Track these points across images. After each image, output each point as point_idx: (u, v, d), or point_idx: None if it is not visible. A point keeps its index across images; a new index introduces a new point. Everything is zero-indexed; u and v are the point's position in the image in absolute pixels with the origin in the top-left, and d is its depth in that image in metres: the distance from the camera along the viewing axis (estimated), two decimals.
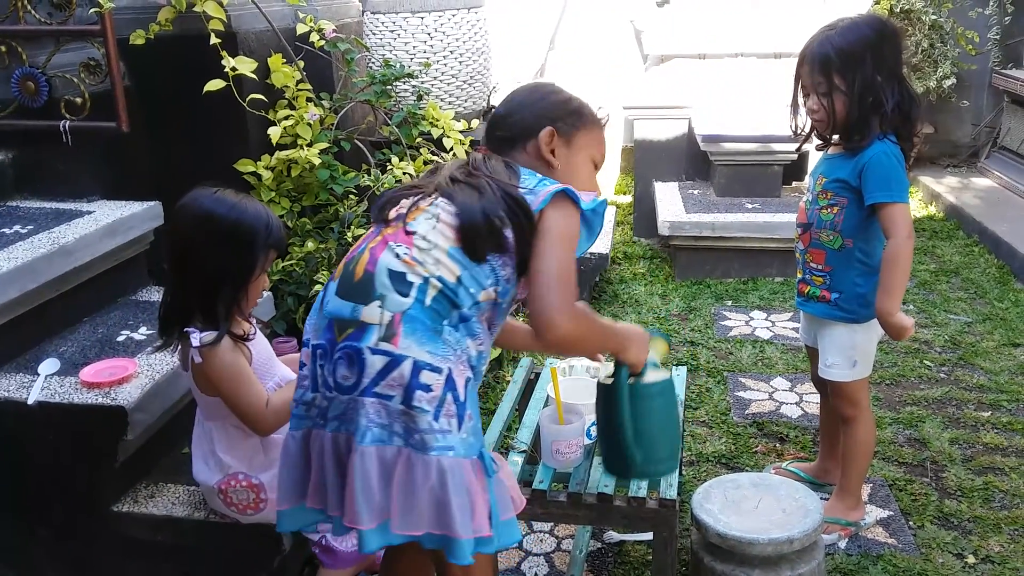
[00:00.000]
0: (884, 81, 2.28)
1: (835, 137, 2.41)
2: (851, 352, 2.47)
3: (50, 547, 2.30)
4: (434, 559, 1.73)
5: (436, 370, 1.55)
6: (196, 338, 1.95)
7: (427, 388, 1.54)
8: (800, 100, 2.42)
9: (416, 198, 1.70)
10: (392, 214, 1.69)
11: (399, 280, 1.58)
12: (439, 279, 1.59)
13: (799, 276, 2.53)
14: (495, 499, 1.62)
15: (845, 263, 2.40)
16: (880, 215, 2.30)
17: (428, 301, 1.57)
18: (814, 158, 2.71)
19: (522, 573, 2.42)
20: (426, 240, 1.61)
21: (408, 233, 1.63)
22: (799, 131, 2.47)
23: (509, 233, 1.63)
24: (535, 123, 1.78)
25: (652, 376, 1.89)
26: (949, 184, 5.89)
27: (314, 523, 1.72)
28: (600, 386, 1.93)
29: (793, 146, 2.72)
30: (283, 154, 3.00)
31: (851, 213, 2.35)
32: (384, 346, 1.55)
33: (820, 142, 2.48)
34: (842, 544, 2.54)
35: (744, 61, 5.30)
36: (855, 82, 2.27)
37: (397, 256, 1.60)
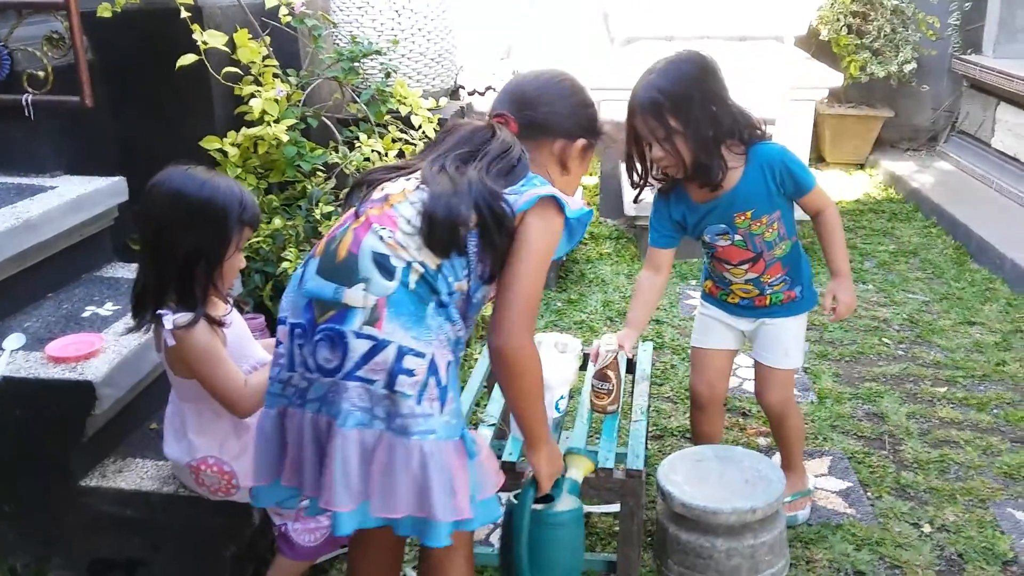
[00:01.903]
0: (719, 111, 2.22)
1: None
2: (801, 337, 2.53)
3: (18, 522, 2.29)
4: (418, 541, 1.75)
5: (419, 355, 1.56)
6: (169, 320, 1.92)
7: (410, 373, 1.55)
8: (640, 153, 2.28)
9: (401, 178, 1.69)
10: (375, 195, 1.68)
11: (383, 263, 1.58)
12: (421, 264, 1.59)
13: (750, 297, 2.45)
14: (475, 479, 1.64)
15: (796, 257, 2.45)
16: (812, 198, 2.36)
17: (412, 285, 1.58)
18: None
19: (491, 544, 2.45)
20: (411, 224, 1.61)
21: (392, 216, 1.62)
22: (638, 182, 2.34)
23: (473, 238, 1.62)
24: (572, 128, 1.78)
25: (563, 504, 1.85)
26: (909, 167, 5.99)
27: (291, 498, 1.73)
28: (508, 504, 1.86)
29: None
30: (250, 131, 2.98)
31: (785, 216, 2.37)
32: (368, 330, 1.55)
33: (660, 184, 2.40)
34: (804, 515, 2.60)
35: (710, 43, 5.33)
36: (691, 120, 2.18)
37: (381, 239, 1.59)
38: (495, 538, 2.49)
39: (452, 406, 1.63)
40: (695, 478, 2.34)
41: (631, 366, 2.66)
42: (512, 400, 1.74)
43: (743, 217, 2.32)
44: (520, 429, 1.80)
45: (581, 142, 1.79)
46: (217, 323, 1.98)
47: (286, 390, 1.64)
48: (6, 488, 2.26)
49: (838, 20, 6.08)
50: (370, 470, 1.55)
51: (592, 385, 2.35)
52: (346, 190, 3.11)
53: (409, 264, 1.58)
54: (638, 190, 2.37)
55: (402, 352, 1.55)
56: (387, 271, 1.58)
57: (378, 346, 1.54)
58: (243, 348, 2.09)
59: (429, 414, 1.57)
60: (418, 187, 1.65)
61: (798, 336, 2.52)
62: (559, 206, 1.68)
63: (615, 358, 2.31)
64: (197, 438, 2.06)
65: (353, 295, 1.57)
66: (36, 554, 2.30)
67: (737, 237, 2.36)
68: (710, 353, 2.56)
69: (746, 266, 2.40)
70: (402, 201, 1.64)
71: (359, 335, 1.55)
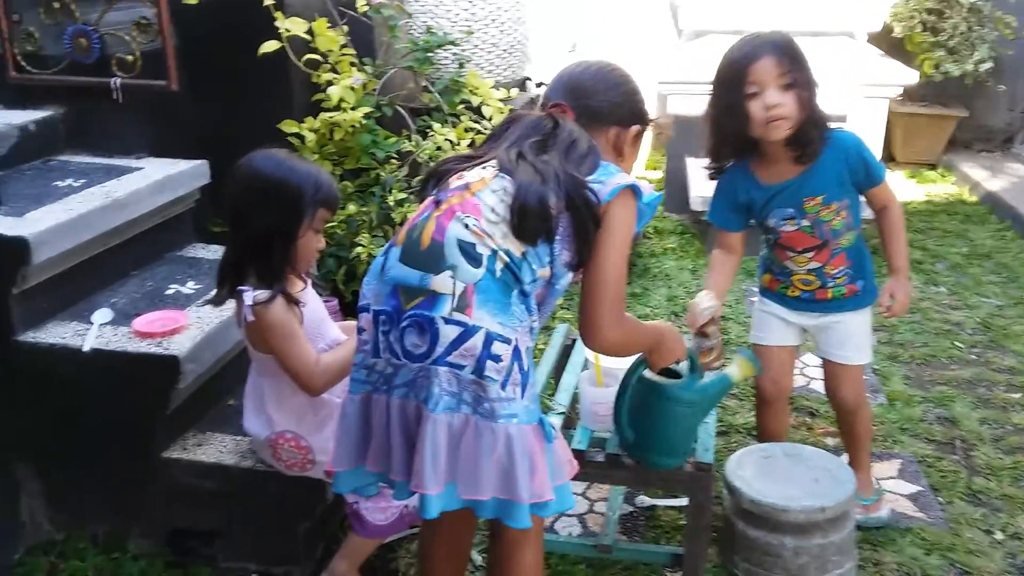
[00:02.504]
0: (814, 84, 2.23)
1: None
2: (868, 333, 2.49)
3: (101, 491, 2.37)
4: (492, 524, 1.78)
5: (506, 341, 1.59)
6: (249, 296, 1.99)
7: (497, 358, 1.58)
8: (736, 107, 2.18)
9: (476, 167, 1.72)
10: (454, 183, 1.71)
11: (469, 251, 1.60)
12: (506, 252, 1.62)
13: (811, 289, 2.41)
14: (551, 464, 1.67)
15: (860, 249, 2.41)
16: (881, 191, 2.33)
17: (498, 273, 1.61)
18: None
19: (556, 532, 2.47)
20: (495, 213, 1.64)
21: (476, 204, 1.64)
22: (719, 147, 2.30)
23: (564, 224, 1.66)
24: (627, 116, 1.85)
25: (683, 383, 2.02)
26: (982, 169, 5.85)
27: (371, 484, 1.76)
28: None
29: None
30: (327, 116, 3.04)
31: (853, 204, 2.33)
32: (458, 316, 1.57)
33: (714, 170, 2.38)
34: (887, 515, 2.57)
35: None
36: (808, 80, 2.19)
37: (466, 227, 1.62)
38: (559, 526, 2.51)
39: (531, 391, 1.66)
40: (763, 475, 2.34)
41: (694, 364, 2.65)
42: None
43: (813, 202, 2.29)
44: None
45: (635, 128, 1.87)
46: (294, 301, 2.02)
47: (371, 376, 1.66)
48: (91, 458, 2.34)
49: (912, 17, 5.95)
50: (457, 453, 1.58)
51: (694, 346, 2.30)
52: (419, 178, 3.16)
53: (495, 252, 1.61)
54: (715, 154, 2.33)
55: (490, 338, 1.58)
56: (473, 258, 1.60)
57: (468, 332, 1.57)
58: (319, 328, 2.14)
59: (512, 398, 1.60)
60: (497, 175, 1.68)
61: (865, 331, 2.49)
62: (635, 193, 1.73)
63: (712, 315, 2.28)
64: (275, 413, 2.12)
65: (441, 282, 1.59)
66: (117, 523, 2.38)
67: (805, 223, 2.32)
68: (771, 350, 2.53)
69: (810, 254, 2.36)
70: (483, 189, 1.66)
71: (449, 321, 1.57)
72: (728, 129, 2.25)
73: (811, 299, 2.43)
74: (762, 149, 2.29)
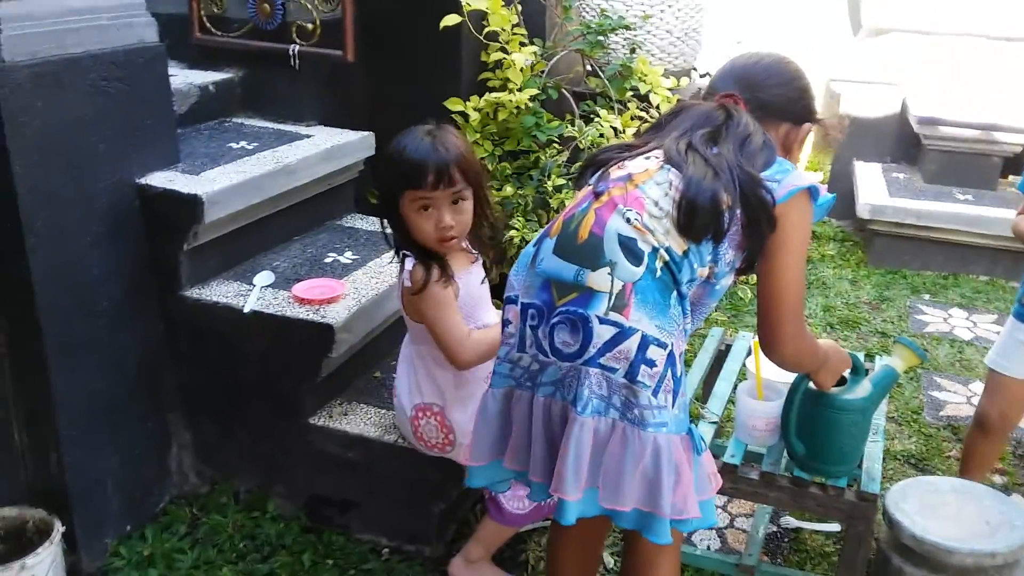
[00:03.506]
0: None
1: None
2: None
3: (247, 449, 2.43)
4: (628, 533, 1.70)
5: (662, 345, 1.51)
6: (409, 262, 1.99)
7: (652, 363, 1.49)
8: None
9: (639, 157, 1.62)
10: (615, 173, 1.62)
11: (630, 246, 1.52)
12: (667, 250, 1.53)
13: None
14: (697, 477, 1.58)
15: None
16: None
17: (658, 272, 1.52)
18: None
19: (693, 545, 2.37)
20: (658, 207, 1.54)
21: (639, 197, 1.55)
22: None
23: (737, 223, 1.55)
24: (797, 112, 1.75)
25: (850, 391, 1.94)
26: None
27: (506, 480, 1.71)
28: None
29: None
30: (492, 96, 3.00)
31: None
32: (614, 316, 1.49)
33: None
34: None
35: (970, 42, 4.93)
36: None
37: (628, 221, 1.53)
38: (696, 538, 2.41)
39: (682, 399, 1.57)
40: (928, 510, 2.17)
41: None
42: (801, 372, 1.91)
43: None
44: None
45: (807, 126, 1.76)
46: (448, 275, 1.99)
47: (515, 371, 1.60)
48: (240, 415, 2.40)
49: None
50: (601, 459, 1.51)
51: None
52: (577, 164, 3.10)
53: (656, 249, 1.52)
54: None
55: (647, 341, 1.49)
56: (634, 255, 1.51)
57: (623, 334, 1.49)
58: (474, 307, 2.10)
59: (663, 406, 1.51)
60: (663, 167, 1.58)
61: None
62: (812, 195, 1.61)
63: None
64: (424, 383, 2.11)
65: (598, 279, 1.51)
66: (259, 482, 2.44)
67: None
68: (1012, 381, 2.32)
69: None
70: (647, 181, 1.57)
71: (604, 321, 1.49)
72: None
73: None
74: None
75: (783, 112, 1.72)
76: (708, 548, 2.39)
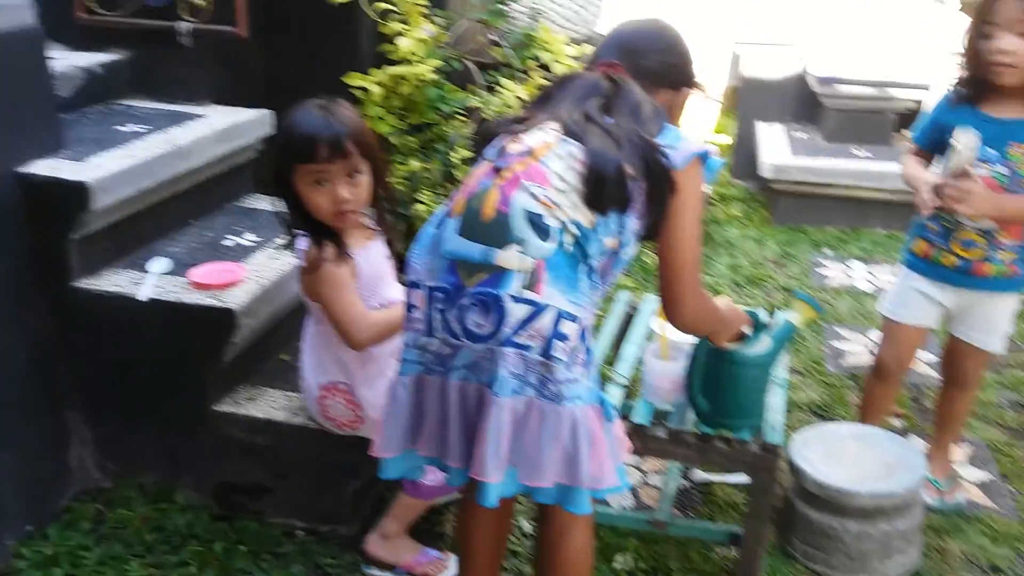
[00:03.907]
0: None
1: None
2: (1011, 320, 2.37)
3: (151, 441, 2.37)
4: (540, 504, 1.71)
5: (574, 319, 1.51)
6: (303, 243, 1.96)
7: (565, 338, 1.49)
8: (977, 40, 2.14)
9: (535, 130, 1.60)
10: (513, 148, 1.59)
11: (538, 223, 1.50)
12: (575, 224, 1.52)
13: (971, 257, 2.24)
14: (611, 445, 1.60)
15: None
16: None
17: (567, 247, 1.51)
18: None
19: (608, 505, 2.41)
20: (563, 181, 1.53)
21: (542, 171, 1.53)
22: (963, 78, 2.22)
23: (639, 192, 1.56)
24: (678, 78, 1.75)
25: (753, 346, 1.97)
26: None
27: (418, 467, 1.69)
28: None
29: (912, 93, 2.45)
30: (394, 69, 2.96)
31: None
32: (527, 294, 1.48)
33: (956, 92, 2.25)
34: (963, 500, 2.48)
35: (864, 1, 5.05)
36: None
37: (534, 196, 1.51)
38: (611, 498, 2.45)
39: (593, 370, 1.58)
40: (830, 456, 2.25)
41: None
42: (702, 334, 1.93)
43: (1019, 149, 2.14)
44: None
45: (685, 91, 1.77)
46: (344, 253, 1.96)
47: (424, 356, 1.57)
48: (142, 407, 2.34)
49: None
50: (520, 439, 1.50)
51: (947, 191, 2.15)
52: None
53: (564, 224, 1.51)
54: (956, 86, 2.25)
55: (560, 317, 1.49)
56: (542, 231, 1.50)
57: (538, 311, 1.48)
58: (375, 284, 2.07)
59: (577, 379, 1.52)
60: (562, 139, 1.57)
61: (1011, 317, 2.36)
62: (702, 161, 1.63)
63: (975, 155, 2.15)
64: (329, 362, 2.08)
65: (507, 257, 1.49)
66: (166, 473, 2.39)
67: (1002, 169, 2.15)
68: (904, 327, 2.41)
69: None
70: (548, 154, 1.55)
71: (517, 299, 1.48)
72: (964, 61, 2.19)
73: (966, 271, 2.25)
74: (991, 83, 2.16)
75: (663, 78, 1.72)
76: (623, 507, 2.43)
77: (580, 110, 1.59)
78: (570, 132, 1.57)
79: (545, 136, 1.58)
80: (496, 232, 1.51)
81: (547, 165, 1.54)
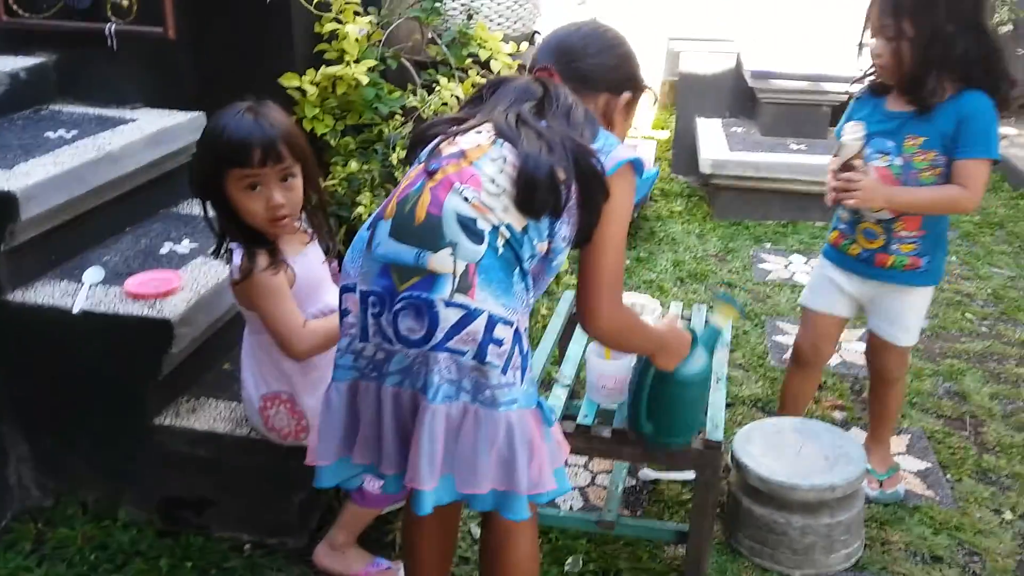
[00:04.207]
0: (957, 32, 2.11)
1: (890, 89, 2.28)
2: (920, 315, 2.42)
3: (91, 457, 2.31)
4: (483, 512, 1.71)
5: (508, 323, 1.49)
6: (238, 254, 1.91)
7: (499, 342, 1.48)
8: (866, 40, 2.27)
9: (470, 132, 1.58)
10: (447, 150, 1.57)
11: (470, 226, 1.48)
12: (507, 227, 1.50)
13: (873, 247, 2.32)
14: (551, 449, 1.59)
15: (937, 224, 2.30)
16: (963, 168, 2.17)
17: (500, 250, 1.49)
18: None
19: (557, 507, 2.41)
20: (495, 184, 1.51)
21: (474, 174, 1.52)
22: (863, 72, 2.34)
23: (572, 197, 1.54)
24: (617, 81, 1.72)
25: (688, 365, 1.90)
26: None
27: (357, 476, 1.67)
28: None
29: (844, 87, 2.58)
30: (329, 70, 2.92)
31: (946, 173, 2.21)
32: (460, 298, 1.46)
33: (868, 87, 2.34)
34: (902, 491, 2.53)
35: None
36: (924, 30, 2.11)
37: (466, 199, 1.49)
38: (560, 499, 2.45)
39: (530, 374, 1.57)
40: (772, 451, 2.29)
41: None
42: (624, 351, 1.92)
43: (913, 142, 2.21)
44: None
45: (626, 95, 1.73)
46: (279, 260, 1.92)
47: (358, 362, 1.55)
48: (81, 423, 2.27)
49: None
50: (455, 445, 1.49)
51: (833, 183, 2.23)
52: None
53: (496, 227, 1.49)
54: (857, 79, 2.35)
55: (493, 321, 1.47)
56: (475, 234, 1.48)
57: (470, 315, 1.46)
58: (313, 291, 2.04)
59: (512, 383, 1.51)
60: (495, 142, 1.55)
61: (919, 312, 2.41)
62: (635, 168, 1.62)
63: (862, 146, 2.20)
64: (269, 372, 2.05)
65: (439, 261, 1.47)
66: (108, 490, 2.33)
67: (897, 161, 2.23)
68: (818, 315, 2.48)
69: None
70: (481, 157, 1.53)
71: (449, 304, 1.46)
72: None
73: (870, 261, 2.33)
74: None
75: (601, 82, 1.70)
76: (571, 508, 2.44)
77: (513, 112, 1.57)
78: (503, 135, 1.55)
79: (479, 138, 1.57)
80: (428, 235, 1.49)
81: (480, 168, 1.52)
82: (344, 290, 1.58)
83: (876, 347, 2.47)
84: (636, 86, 1.75)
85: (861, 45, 2.30)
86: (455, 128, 1.61)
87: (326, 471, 1.63)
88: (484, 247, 1.48)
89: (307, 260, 2.02)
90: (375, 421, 1.55)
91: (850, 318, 2.51)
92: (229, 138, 1.85)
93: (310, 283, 2.02)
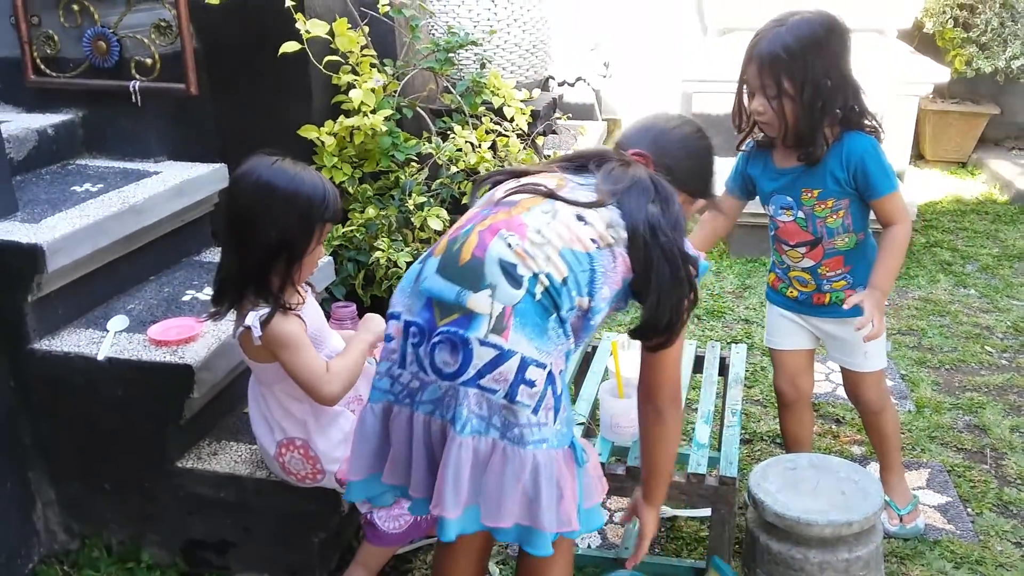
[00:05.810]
0: (834, 83, 2.13)
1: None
2: (879, 340, 2.40)
3: (115, 500, 2.36)
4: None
5: (541, 366, 1.54)
6: (254, 318, 1.92)
7: (531, 384, 1.53)
8: (744, 99, 2.24)
9: (540, 189, 1.65)
10: (501, 198, 1.66)
11: (510, 271, 1.55)
12: (547, 276, 1.56)
13: (807, 291, 2.38)
14: (582, 488, 1.63)
15: (861, 255, 2.33)
16: (883, 207, 2.22)
17: (537, 296, 1.55)
18: None
19: (575, 544, 2.42)
20: (540, 235, 1.58)
21: (521, 224, 1.59)
22: (742, 129, 2.31)
23: (610, 260, 1.61)
24: (699, 188, 1.81)
25: None
26: (1014, 168, 5.74)
27: (386, 494, 1.72)
28: None
29: None
30: (348, 121, 3.01)
31: (855, 209, 2.26)
32: (493, 339, 1.52)
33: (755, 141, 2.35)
34: (922, 525, 2.52)
35: None
36: (804, 88, 2.11)
37: (509, 246, 1.56)
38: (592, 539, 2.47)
39: (564, 414, 1.61)
40: (788, 487, 2.28)
41: (723, 368, 2.60)
42: (657, 454, 1.85)
43: (810, 195, 2.24)
44: (650, 482, 1.89)
45: (700, 203, 1.83)
46: (293, 312, 1.97)
47: (394, 387, 1.61)
48: (105, 466, 2.33)
49: (944, 12, 5.84)
50: (482, 478, 1.53)
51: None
52: (439, 181, 3.13)
53: (536, 275, 1.55)
54: (741, 137, 2.34)
55: (525, 363, 1.52)
56: (514, 279, 1.55)
57: (503, 356, 1.52)
58: (321, 337, 2.10)
59: (544, 423, 1.55)
60: (550, 200, 1.63)
61: (875, 339, 2.38)
62: (699, 272, 1.70)
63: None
64: (282, 420, 2.09)
65: (478, 301, 1.54)
66: (131, 532, 2.37)
67: (800, 214, 2.27)
68: (785, 353, 2.50)
69: (803, 250, 2.32)
70: (531, 208, 1.61)
71: (484, 343, 1.52)
72: (738, 118, 2.28)
73: (808, 302, 2.39)
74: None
75: (684, 184, 1.76)
76: (589, 545, 2.45)
77: (646, 226, 1.62)
78: (615, 197, 1.63)
79: (535, 191, 1.65)
80: (470, 275, 1.56)
81: (527, 219, 1.59)
82: (390, 317, 1.65)
83: (849, 379, 2.49)
84: (709, 196, 1.84)
85: (740, 103, 2.25)
86: (515, 180, 1.70)
87: (356, 485, 1.70)
88: (522, 292, 1.54)
89: (309, 310, 2.08)
90: (406, 445, 1.61)
91: (814, 348, 2.52)
92: (334, 196, 1.95)
93: (318, 331, 2.09)
